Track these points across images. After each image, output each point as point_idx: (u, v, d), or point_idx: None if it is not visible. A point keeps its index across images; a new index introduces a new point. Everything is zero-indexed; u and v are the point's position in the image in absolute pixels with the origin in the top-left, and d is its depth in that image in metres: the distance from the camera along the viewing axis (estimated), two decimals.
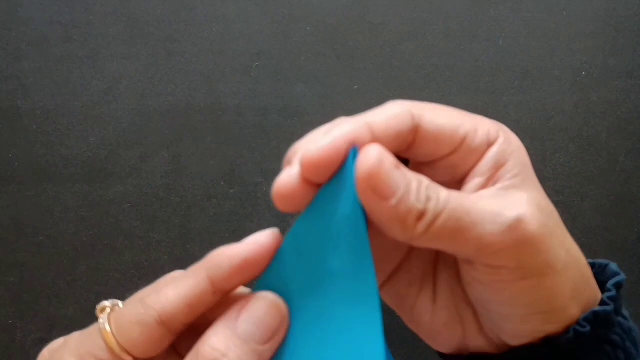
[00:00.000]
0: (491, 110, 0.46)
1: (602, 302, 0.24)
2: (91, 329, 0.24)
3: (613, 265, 0.27)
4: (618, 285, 0.25)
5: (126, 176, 0.45)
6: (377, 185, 0.20)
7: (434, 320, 0.26)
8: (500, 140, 0.24)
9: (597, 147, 0.46)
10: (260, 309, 0.22)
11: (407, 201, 0.20)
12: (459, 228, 0.21)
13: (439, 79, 0.46)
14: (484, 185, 0.23)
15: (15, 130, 0.46)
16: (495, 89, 0.46)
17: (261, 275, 0.23)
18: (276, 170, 0.45)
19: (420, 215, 0.21)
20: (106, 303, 0.24)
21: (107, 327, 0.22)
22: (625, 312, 0.25)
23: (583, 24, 0.47)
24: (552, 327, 0.23)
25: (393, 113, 0.24)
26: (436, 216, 0.21)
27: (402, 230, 0.21)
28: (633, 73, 0.46)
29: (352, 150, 0.22)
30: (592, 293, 0.25)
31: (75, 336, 0.24)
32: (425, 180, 0.21)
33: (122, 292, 0.45)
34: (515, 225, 0.21)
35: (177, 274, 0.23)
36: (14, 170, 0.45)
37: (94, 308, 0.46)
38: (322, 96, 0.46)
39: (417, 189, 0.21)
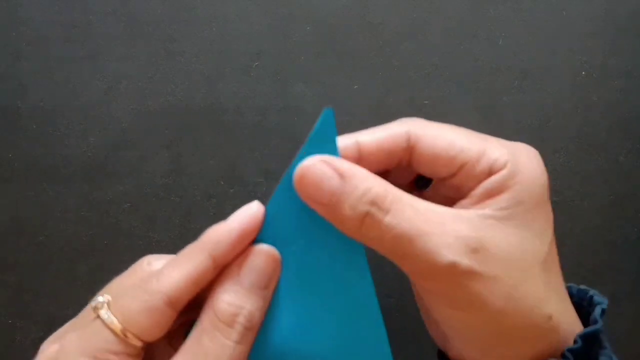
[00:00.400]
0: (491, 110, 0.46)
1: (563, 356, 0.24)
2: (88, 326, 0.24)
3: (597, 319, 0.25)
4: (589, 337, 0.24)
5: (126, 176, 0.45)
6: (308, 192, 0.22)
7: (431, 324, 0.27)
8: (503, 172, 0.24)
9: (597, 147, 0.46)
10: (258, 259, 0.24)
11: (338, 209, 0.22)
12: (396, 251, 0.22)
13: (439, 79, 0.46)
14: (472, 203, 0.24)
15: (15, 130, 0.46)
16: (495, 89, 0.46)
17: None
18: (276, 170, 0.46)
19: (358, 226, 0.22)
20: (100, 299, 0.25)
21: (115, 321, 0.24)
22: (605, 357, 0.24)
23: (583, 24, 0.47)
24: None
25: (389, 133, 0.24)
26: (374, 233, 0.22)
27: (340, 229, 0.23)
28: (633, 73, 0.46)
29: (326, 111, 0.25)
30: (550, 347, 0.24)
31: (73, 337, 0.25)
32: (370, 194, 0.22)
33: None
34: (451, 269, 0.22)
35: (153, 258, 0.25)
36: (14, 170, 0.46)
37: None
38: (322, 96, 0.46)
39: (353, 202, 0.22)
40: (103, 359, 0.23)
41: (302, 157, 0.25)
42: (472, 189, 0.24)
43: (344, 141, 0.25)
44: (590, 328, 0.24)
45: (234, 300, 0.23)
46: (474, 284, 0.22)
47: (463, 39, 0.46)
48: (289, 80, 0.46)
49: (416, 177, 0.27)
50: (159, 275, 0.23)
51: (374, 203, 0.22)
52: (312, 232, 0.24)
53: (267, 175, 0.44)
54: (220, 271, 0.24)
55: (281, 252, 0.25)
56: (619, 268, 0.46)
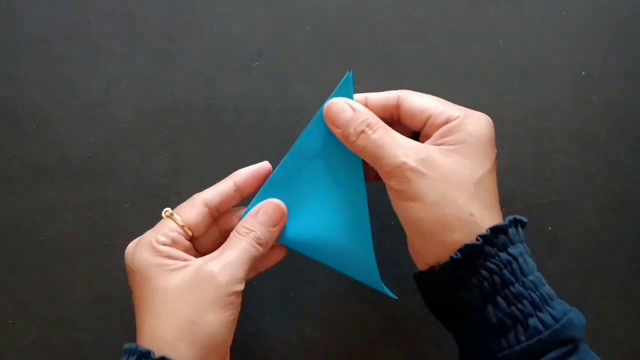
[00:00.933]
0: (491, 110, 0.46)
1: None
2: (161, 224, 0.38)
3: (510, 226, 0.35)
4: (498, 229, 0.34)
5: (126, 176, 0.46)
6: (331, 118, 0.37)
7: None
8: (454, 122, 0.35)
9: (597, 147, 0.46)
10: (269, 207, 0.38)
11: (347, 130, 0.36)
12: (374, 156, 0.35)
13: (439, 79, 0.46)
14: (432, 142, 0.36)
15: (15, 130, 0.46)
16: (495, 89, 0.46)
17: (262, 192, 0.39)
18: None
19: (356, 138, 0.36)
20: (167, 209, 0.38)
21: (177, 217, 0.37)
22: (513, 250, 0.34)
23: (583, 24, 0.47)
24: (436, 250, 0.34)
25: (387, 94, 0.38)
26: (364, 143, 0.36)
27: (346, 144, 0.37)
28: (633, 73, 0.46)
29: (348, 74, 0.38)
30: (471, 235, 0.34)
31: (150, 230, 0.38)
32: (366, 120, 0.36)
33: (122, 292, 0.45)
34: (401, 167, 0.34)
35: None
36: (14, 170, 0.46)
37: (94, 308, 0.46)
38: (322, 96, 0.46)
39: (356, 125, 0.36)
40: (171, 236, 0.37)
41: (317, 124, 0.38)
42: (437, 130, 0.36)
43: (357, 96, 0.38)
44: (500, 224, 0.34)
45: (248, 226, 0.38)
46: (418, 180, 0.34)
47: (463, 39, 0.46)
48: (289, 80, 0.46)
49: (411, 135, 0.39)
50: (200, 193, 0.39)
51: (368, 126, 0.36)
52: (329, 154, 0.38)
53: (267, 175, 0.44)
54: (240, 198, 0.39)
55: (305, 169, 0.38)
56: (619, 268, 0.46)
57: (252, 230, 0.37)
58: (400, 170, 0.34)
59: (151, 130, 0.46)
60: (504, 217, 0.36)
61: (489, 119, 0.37)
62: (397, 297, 0.38)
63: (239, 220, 0.39)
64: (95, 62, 0.46)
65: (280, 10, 0.46)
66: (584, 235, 0.46)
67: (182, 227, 0.37)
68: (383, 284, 0.38)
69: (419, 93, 0.37)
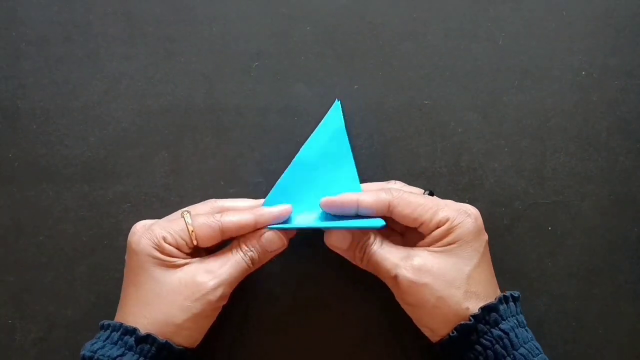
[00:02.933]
0: (491, 110, 0.46)
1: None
2: (174, 220, 0.39)
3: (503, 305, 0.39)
4: (487, 308, 0.37)
5: (126, 176, 0.46)
6: (332, 246, 0.41)
7: None
8: (444, 227, 0.39)
9: (597, 147, 0.46)
10: (275, 237, 0.40)
11: (350, 252, 0.40)
12: (375, 269, 0.40)
13: (439, 79, 0.46)
14: (426, 245, 0.40)
15: (15, 130, 0.46)
16: (495, 89, 0.46)
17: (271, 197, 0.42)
18: (276, 170, 0.46)
19: (359, 259, 0.40)
20: (186, 209, 0.40)
21: (190, 222, 0.39)
22: (505, 325, 0.37)
23: (583, 24, 0.47)
24: (441, 332, 0.39)
25: (378, 201, 0.39)
26: (366, 260, 0.40)
27: (353, 261, 0.41)
28: (633, 73, 0.46)
29: (337, 102, 0.42)
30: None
31: (163, 221, 0.40)
32: (362, 244, 0.40)
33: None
34: (394, 279, 0.39)
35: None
36: (14, 170, 0.46)
37: (94, 308, 0.46)
38: (322, 96, 0.46)
39: (355, 247, 0.40)
40: (177, 239, 0.38)
41: (315, 142, 0.42)
42: (427, 233, 0.39)
43: (348, 198, 0.40)
44: (490, 303, 0.38)
45: (251, 246, 0.40)
46: (416, 290, 0.38)
47: (463, 39, 0.46)
48: (289, 80, 0.46)
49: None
50: (223, 214, 0.40)
51: (367, 245, 0.40)
52: (326, 167, 0.42)
53: (267, 175, 0.44)
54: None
55: (307, 179, 0.42)
56: (619, 268, 0.46)
57: (252, 251, 0.40)
58: (397, 282, 0.38)
59: (151, 130, 0.46)
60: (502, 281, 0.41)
61: (474, 213, 0.40)
62: (385, 222, 0.39)
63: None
64: (95, 62, 0.46)
65: (280, 10, 0.46)
66: (584, 235, 0.46)
67: (190, 234, 0.39)
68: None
69: (408, 195, 0.40)
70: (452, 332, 0.38)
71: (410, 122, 0.46)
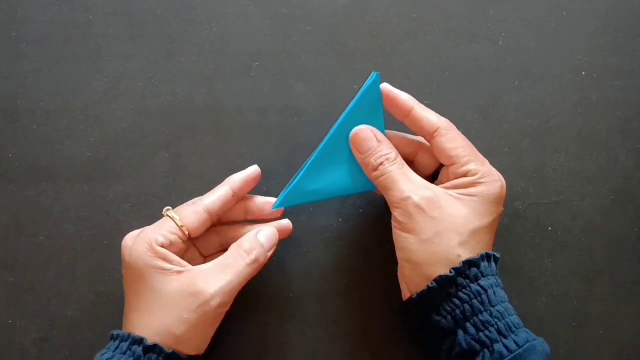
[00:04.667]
0: (491, 110, 0.46)
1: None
2: (161, 222, 0.40)
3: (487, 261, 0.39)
4: (469, 263, 0.37)
5: (126, 176, 0.46)
6: (356, 144, 0.40)
7: None
8: (469, 179, 0.39)
9: (597, 147, 0.46)
10: (269, 232, 0.41)
11: (368, 158, 0.40)
12: (386, 186, 0.39)
13: (439, 79, 0.46)
14: (444, 184, 0.40)
15: (15, 130, 0.46)
16: (495, 89, 0.46)
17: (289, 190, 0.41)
18: (276, 170, 0.45)
19: (374, 168, 0.40)
20: (167, 207, 0.40)
21: (177, 217, 0.39)
22: (484, 282, 0.37)
23: (583, 24, 0.47)
24: (419, 281, 0.38)
25: (429, 119, 0.40)
26: (380, 173, 0.39)
27: (364, 169, 0.41)
28: (633, 73, 0.46)
29: (374, 75, 0.41)
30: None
31: (150, 227, 0.40)
32: (387, 155, 0.40)
33: (122, 292, 0.45)
34: (405, 200, 0.38)
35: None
36: (14, 170, 0.46)
37: (94, 308, 0.46)
38: (322, 96, 0.46)
39: (377, 156, 0.39)
40: (169, 237, 0.39)
41: (353, 111, 0.41)
42: (451, 177, 0.40)
43: (388, 132, 0.42)
44: (472, 257, 0.37)
45: (251, 245, 0.39)
46: (417, 215, 0.38)
47: (463, 39, 0.46)
48: (289, 80, 0.46)
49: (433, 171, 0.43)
50: (202, 197, 0.41)
51: (387, 159, 0.39)
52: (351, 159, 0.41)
53: (267, 175, 0.44)
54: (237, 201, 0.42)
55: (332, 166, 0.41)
56: (619, 268, 0.46)
57: (254, 249, 0.39)
58: (405, 203, 0.38)
59: (151, 130, 0.46)
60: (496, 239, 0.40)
61: (503, 183, 0.39)
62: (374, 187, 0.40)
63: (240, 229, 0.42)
64: (95, 62, 0.46)
65: (280, 10, 0.46)
66: (584, 235, 0.46)
67: (180, 227, 0.39)
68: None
69: (457, 132, 0.40)
70: (431, 283, 0.37)
71: None
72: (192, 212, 0.40)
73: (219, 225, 0.42)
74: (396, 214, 0.39)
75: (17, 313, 0.45)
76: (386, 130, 0.41)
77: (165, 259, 0.38)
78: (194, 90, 0.46)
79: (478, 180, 0.38)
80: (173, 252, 0.39)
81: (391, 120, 0.42)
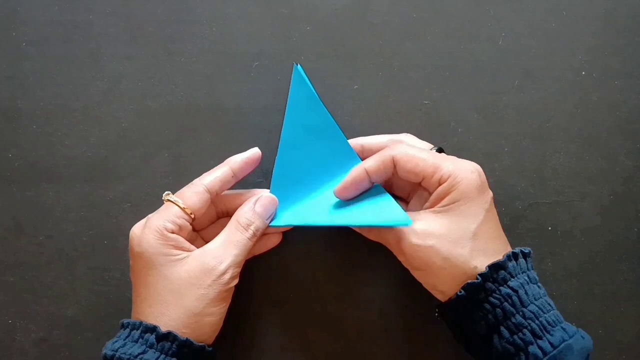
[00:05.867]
0: (491, 110, 0.46)
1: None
2: (164, 208, 0.40)
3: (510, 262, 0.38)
4: (495, 266, 0.37)
5: (126, 176, 0.46)
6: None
7: None
8: (445, 184, 0.38)
9: (597, 147, 0.46)
10: (267, 200, 0.41)
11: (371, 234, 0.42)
12: (380, 236, 0.40)
13: (439, 79, 0.46)
14: (429, 205, 0.39)
15: (16, 130, 0.46)
16: (495, 89, 0.46)
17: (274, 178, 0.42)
18: None
19: (366, 233, 0.42)
20: (166, 192, 0.40)
21: (179, 201, 0.39)
22: (514, 283, 0.36)
23: (583, 24, 0.47)
24: (447, 298, 0.39)
25: (382, 157, 0.40)
26: (375, 237, 0.41)
27: (358, 230, 0.42)
28: (633, 73, 0.46)
29: (296, 67, 0.41)
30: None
31: (153, 214, 0.40)
32: None
33: (123, 292, 0.45)
34: (399, 244, 0.39)
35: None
36: (14, 170, 0.46)
37: (94, 308, 0.46)
38: (322, 96, 0.46)
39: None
40: (177, 222, 0.39)
41: (291, 112, 0.41)
42: (431, 192, 0.39)
43: (353, 143, 0.42)
44: (497, 261, 0.37)
45: (250, 217, 0.40)
46: (420, 253, 0.38)
47: (463, 39, 0.46)
48: (289, 80, 0.46)
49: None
50: (201, 177, 0.41)
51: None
52: (311, 141, 0.41)
53: (267, 175, 0.44)
54: (237, 182, 0.42)
55: (297, 158, 0.42)
56: (619, 268, 0.46)
57: (253, 222, 0.40)
58: (403, 247, 0.38)
59: (151, 130, 0.46)
60: (509, 240, 0.40)
61: (477, 169, 0.39)
62: (412, 221, 0.38)
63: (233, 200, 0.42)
64: (95, 62, 0.46)
65: (280, 10, 0.46)
66: (584, 236, 0.46)
67: (184, 210, 0.39)
68: (401, 209, 0.39)
69: (411, 150, 0.39)
70: (460, 292, 0.37)
71: (410, 122, 0.46)
72: (193, 194, 0.40)
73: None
74: (400, 257, 0.40)
75: (17, 313, 0.45)
76: (359, 141, 0.42)
77: (175, 245, 0.38)
78: (194, 90, 0.46)
79: (454, 183, 0.38)
80: (183, 236, 0.39)
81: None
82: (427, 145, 0.42)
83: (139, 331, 0.37)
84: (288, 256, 0.45)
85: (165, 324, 0.37)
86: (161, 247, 0.38)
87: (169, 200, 0.40)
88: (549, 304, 0.37)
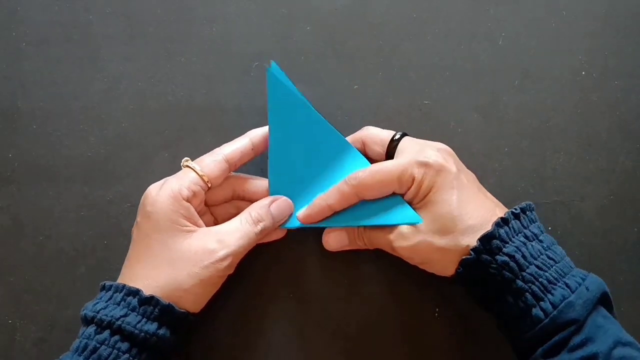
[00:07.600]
0: (491, 110, 0.46)
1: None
2: (182, 173, 0.40)
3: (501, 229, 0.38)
4: (485, 238, 0.37)
5: (126, 176, 0.46)
6: (332, 247, 0.43)
7: None
8: (413, 187, 0.39)
9: (597, 147, 0.46)
10: (284, 205, 0.41)
11: (352, 244, 0.43)
12: (375, 246, 0.42)
13: (439, 79, 0.46)
14: (409, 202, 0.41)
15: (16, 131, 0.46)
16: (495, 89, 0.46)
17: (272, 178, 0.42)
18: None
19: (361, 244, 0.43)
20: (185, 158, 0.41)
21: (197, 167, 0.40)
22: (509, 247, 0.37)
23: (583, 24, 0.47)
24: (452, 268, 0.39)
25: (344, 196, 0.41)
26: (365, 243, 0.42)
27: (355, 247, 0.43)
28: (633, 73, 0.46)
29: (269, 69, 0.40)
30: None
31: (171, 178, 0.40)
32: (359, 229, 0.42)
33: None
34: (391, 246, 0.40)
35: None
36: (14, 170, 0.46)
37: None
38: (322, 96, 0.46)
39: (356, 238, 0.43)
40: (192, 188, 0.39)
41: (273, 118, 0.41)
42: (404, 194, 0.41)
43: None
44: (487, 231, 0.37)
45: (262, 214, 0.40)
46: (414, 252, 0.39)
47: (463, 39, 0.46)
48: (289, 80, 0.46)
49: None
50: (222, 147, 0.41)
51: (361, 231, 0.43)
52: (302, 134, 0.41)
53: (267, 175, 0.44)
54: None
55: (289, 154, 0.41)
56: (619, 268, 0.46)
57: (263, 220, 0.40)
58: (398, 252, 0.40)
59: (151, 131, 0.46)
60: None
61: (432, 161, 0.39)
62: (422, 220, 0.39)
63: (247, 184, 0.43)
64: (95, 62, 0.46)
65: (280, 10, 0.46)
66: (584, 236, 0.46)
67: (201, 177, 0.40)
68: (409, 207, 0.40)
69: (369, 173, 0.40)
70: (459, 269, 0.38)
71: (410, 122, 0.46)
72: (212, 162, 0.40)
73: (230, 176, 0.43)
74: (403, 258, 0.41)
75: (17, 313, 0.45)
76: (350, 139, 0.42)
77: (185, 214, 0.39)
78: (194, 90, 0.46)
79: (418, 182, 0.39)
80: (195, 205, 0.40)
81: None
82: (389, 133, 0.42)
83: (121, 294, 0.37)
84: (288, 255, 0.45)
85: (151, 289, 0.37)
86: (172, 212, 0.38)
87: (187, 166, 0.40)
88: (550, 259, 0.37)
